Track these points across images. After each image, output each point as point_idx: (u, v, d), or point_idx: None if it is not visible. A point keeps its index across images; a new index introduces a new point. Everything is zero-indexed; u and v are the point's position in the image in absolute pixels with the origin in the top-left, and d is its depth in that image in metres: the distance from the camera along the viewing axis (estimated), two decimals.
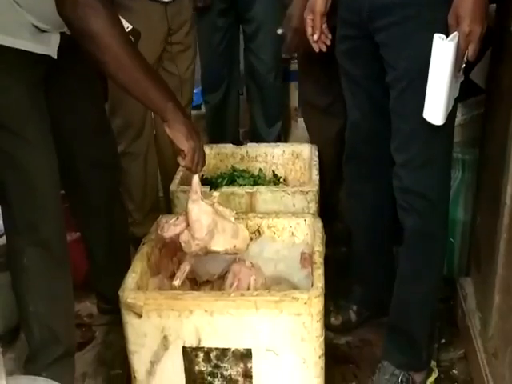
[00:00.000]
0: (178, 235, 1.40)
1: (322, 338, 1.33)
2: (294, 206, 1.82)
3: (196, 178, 1.38)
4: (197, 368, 1.36)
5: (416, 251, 1.51)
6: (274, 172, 2.03)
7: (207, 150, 2.19)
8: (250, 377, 1.36)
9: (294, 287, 1.45)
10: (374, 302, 1.84)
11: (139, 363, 1.38)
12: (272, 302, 1.29)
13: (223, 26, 2.47)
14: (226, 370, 1.36)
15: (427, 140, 1.41)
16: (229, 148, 2.20)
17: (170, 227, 1.40)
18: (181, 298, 1.31)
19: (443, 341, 1.76)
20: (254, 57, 2.55)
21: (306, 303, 1.28)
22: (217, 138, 2.60)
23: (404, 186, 1.46)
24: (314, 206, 1.83)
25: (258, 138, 2.77)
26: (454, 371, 1.66)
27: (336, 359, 1.69)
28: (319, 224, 1.60)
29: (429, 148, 1.42)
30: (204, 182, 2.00)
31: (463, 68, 1.34)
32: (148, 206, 2.23)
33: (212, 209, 1.38)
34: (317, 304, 1.29)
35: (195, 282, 1.56)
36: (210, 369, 1.36)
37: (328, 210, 2.09)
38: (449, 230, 1.92)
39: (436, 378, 1.62)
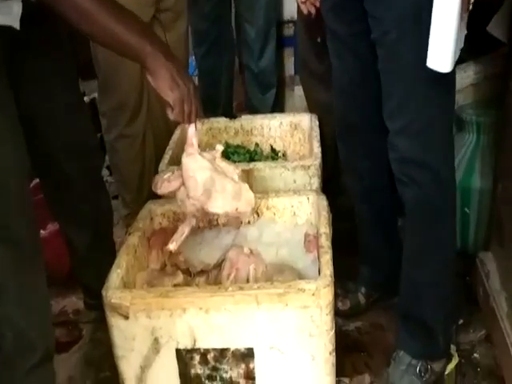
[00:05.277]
0: (173, 192, 1.25)
1: (333, 331, 1.18)
2: (294, 182, 1.66)
3: (192, 129, 1.21)
4: (193, 371, 1.21)
5: (420, 228, 1.35)
6: (271, 146, 1.86)
7: (198, 124, 2.03)
8: (253, 378, 1.21)
9: (300, 275, 1.29)
10: (383, 282, 1.69)
11: (128, 369, 1.22)
12: (275, 296, 1.13)
13: None
14: (226, 372, 1.21)
15: (424, 101, 1.24)
16: (221, 122, 2.03)
17: (164, 183, 1.24)
18: (172, 295, 1.16)
19: (461, 321, 1.61)
20: (244, 21, 2.37)
21: (313, 294, 1.12)
22: (209, 110, 2.43)
23: (401, 156, 1.30)
24: (316, 182, 1.66)
25: (252, 109, 2.61)
26: (475, 355, 1.52)
27: (345, 347, 1.55)
28: (324, 202, 1.44)
29: (426, 110, 1.26)
30: None
31: (468, 13, 1.16)
32: (145, 194, 2.06)
33: (210, 165, 1.21)
34: (326, 295, 1.13)
35: (189, 273, 1.41)
36: (207, 372, 1.21)
37: (330, 182, 1.92)
38: (463, 200, 1.79)
39: (456, 365, 1.48)
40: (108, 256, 1.74)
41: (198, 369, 1.21)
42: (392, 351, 1.47)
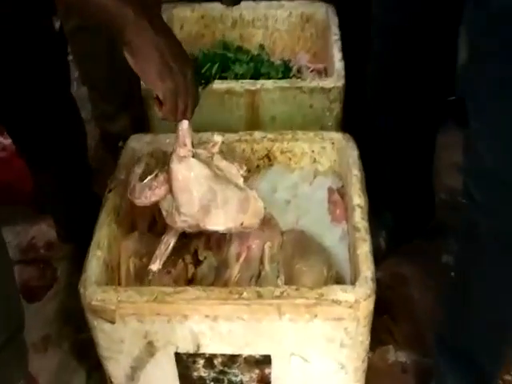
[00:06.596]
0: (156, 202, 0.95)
1: (368, 339, 0.97)
2: (311, 107, 1.35)
3: (185, 126, 0.89)
4: (195, 374, 1.00)
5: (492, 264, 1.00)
6: (285, 62, 1.49)
7: (187, 11, 1.64)
8: (269, 383, 1.01)
9: (326, 257, 1.04)
10: (409, 226, 1.46)
11: (116, 369, 1.01)
12: (302, 306, 0.89)
13: None
14: (236, 376, 1.00)
15: None
16: (216, 9, 1.63)
17: (145, 191, 0.93)
18: (170, 300, 0.91)
19: None
20: None
21: (351, 307, 0.89)
22: None
23: (482, 164, 0.93)
24: (337, 107, 1.36)
25: None
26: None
27: None
28: (354, 152, 1.14)
29: None
30: None
31: None
32: (119, 95, 1.71)
33: (209, 170, 0.91)
34: (366, 306, 0.90)
35: (184, 234, 1.15)
36: (213, 375, 1.00)
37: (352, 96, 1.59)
38: None
39: None
40: (82, 187, 1.47)
41: (202, 372, 1.00)
42: (418, 314, 1.29)
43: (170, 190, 0.91)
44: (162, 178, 0.92)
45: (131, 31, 0.76)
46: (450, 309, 1.12)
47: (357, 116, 1.42)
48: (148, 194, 0.93)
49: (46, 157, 1.37)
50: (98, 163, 1.80)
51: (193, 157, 0.90)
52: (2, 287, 1.10)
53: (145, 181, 0.94)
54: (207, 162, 0.92)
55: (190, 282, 1.07)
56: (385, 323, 1.33)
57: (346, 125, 1.40)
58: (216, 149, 0.96)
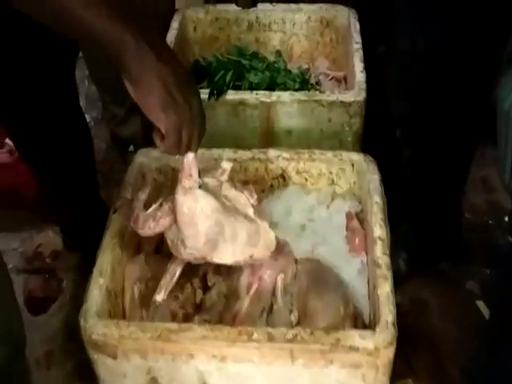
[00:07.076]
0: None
1: None
2: (329, 121, 1.28)
3: (191, 157, 0.82)
4: None
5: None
6: (302, 74, 1.41)
7: (201, 13, 1.57)
8: None
9: (343, 293, 0.97)
10: (431, 246, 1.39)
11: None
12: (317, 352, 0.83)
13: None
14: None
15: None
16: (231, 12, 1.56)
17: (149, 222, 0.88)
18: (174, 338, 0.85)
19: None
20: None
21: (370, 354, 0.83)
22: None
23: None
24: (357, 122, 1.29)
25: None
26: None
27: None
28: (376, 176, 1.07)
29: None
30: (196, 69, 1.42)
31: None
32: (130, 98, 1.65)
33: (216, 202, 0.84)
34: (386, 354, 0.84)
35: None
36: None
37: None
38: None
39: None
40: (88, 195, 1.42)
41: None
42: (440, 344, 1.22)
43: (175, 221, 0.85)
44: (166, 207, 0.86)
45: (131, 58, 0.69)
46: (480, 343, 1.05)
47: (375, 129, 1.35)
48: (152, 224, 0.87)
49: (50, 163, 1.31)
50: (108, 166, 1.76)
51: (199, 187, 0.83)
52: (2, 307, 1.04)
53: (149, 210, 0.89)
54: (215, 192, 0.86)
55: (198, 307, 1.02)
56: (404, 354, 1.25)
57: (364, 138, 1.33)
58: (225, 177, 0.90)
